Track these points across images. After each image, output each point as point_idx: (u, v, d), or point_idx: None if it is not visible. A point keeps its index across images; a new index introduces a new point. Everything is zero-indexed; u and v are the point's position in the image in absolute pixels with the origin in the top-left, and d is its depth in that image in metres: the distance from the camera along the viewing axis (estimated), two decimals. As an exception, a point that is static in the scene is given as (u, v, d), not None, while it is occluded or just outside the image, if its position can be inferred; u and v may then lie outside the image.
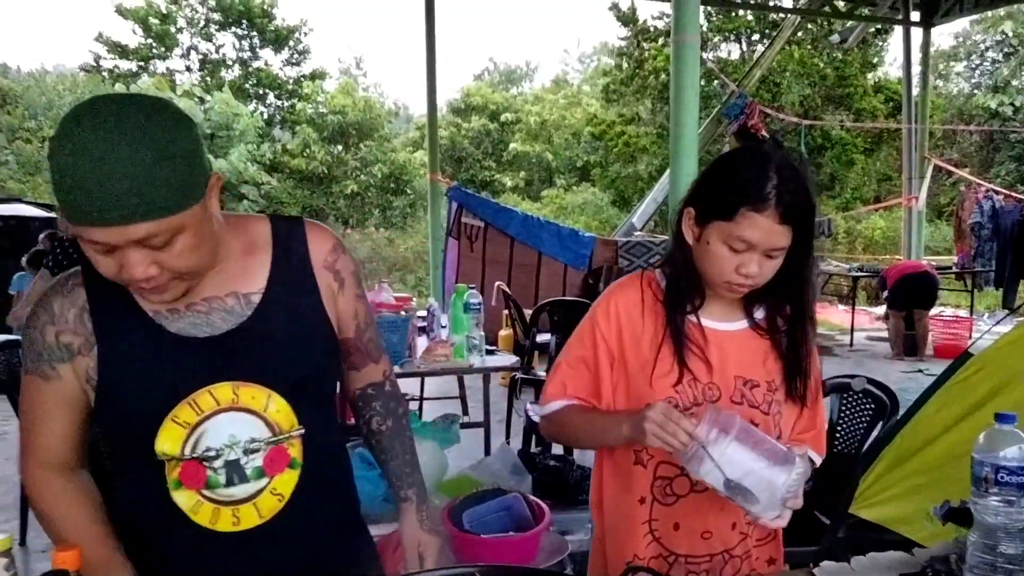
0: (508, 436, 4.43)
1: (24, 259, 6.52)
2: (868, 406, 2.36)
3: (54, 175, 0.89)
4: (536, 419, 3.79)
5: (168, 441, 1.03)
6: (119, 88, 15.43)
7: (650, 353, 1.29)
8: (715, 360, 1.29)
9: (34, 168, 13.11)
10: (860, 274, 9.03)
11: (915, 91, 9.72)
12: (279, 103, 18.58)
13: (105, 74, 17.13)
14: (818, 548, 2.11)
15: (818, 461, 1.40)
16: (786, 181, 1.18)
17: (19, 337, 4.35)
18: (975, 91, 19.01)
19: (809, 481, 1.22)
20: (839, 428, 2.44)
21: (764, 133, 3.35)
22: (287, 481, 1.08)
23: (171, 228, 0.93)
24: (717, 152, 4.17)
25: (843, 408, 2.44)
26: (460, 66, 28.55)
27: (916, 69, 9.81)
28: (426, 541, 1.25)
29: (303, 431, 1.09)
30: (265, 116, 17.64)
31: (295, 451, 1.09)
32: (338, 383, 1.26)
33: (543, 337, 5.37)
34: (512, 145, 20.50)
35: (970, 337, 7.68)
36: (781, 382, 1.32)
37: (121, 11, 17.14)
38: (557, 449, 3.74)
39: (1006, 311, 8.94)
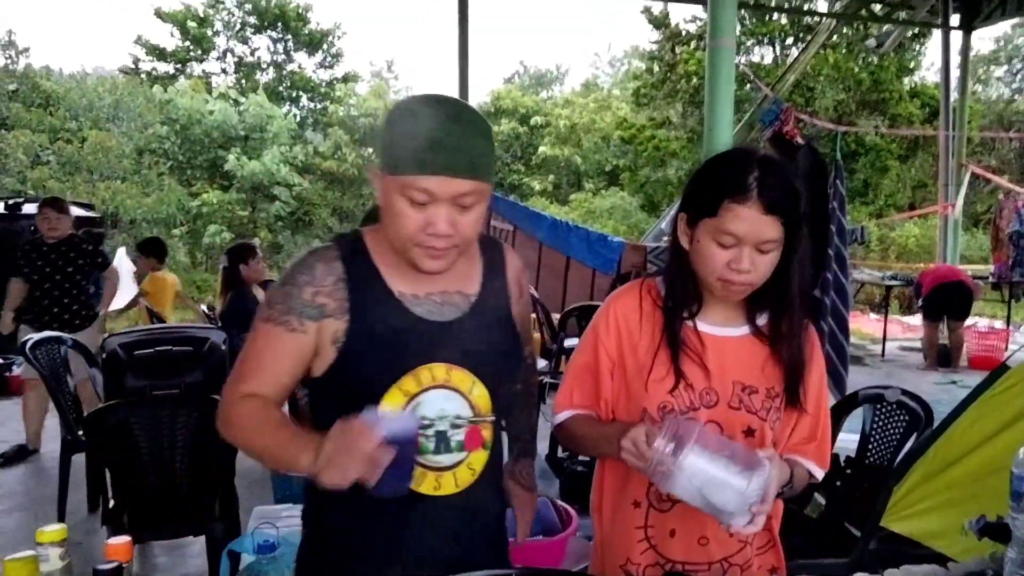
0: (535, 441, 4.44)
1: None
2: (902, 417, 2.33)
3: (403, 129, 1.09)
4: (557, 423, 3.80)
5: (391, 405, 1.17)
6: (157, 90, 15.74)
7: (647, 359, 1.30)
8: (713, 366, 1.28)
9: (73, 168, 13.43)
10: (893, 283, 8.88)
11: (953, 96, 9.54)
12: (311, 105, 18.80)
13: (143, 76, 17.47)
14: (848, 560, 2.10)
15: (819, 474, 1.37)
16: (768, 174, 1.19)
17: (57, 333, 4.49)
18: (1016, 96, 18.60)
19: (819, 489, 1.23)
20: (872, 439, 2.41)
21: (799, 139, 3.34)
22: (480, 459, 1.23)
23: (480, 193, 1.13)
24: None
25: (876, 419, 2.41)
26: (490, 69, 28.71)
27: (955, 74, 9.64)
28: (521, 496, 1.51)
29: (494, 418, 1.24)
30: (298, 118, 17.86)
31: (487, 433, 1.23)
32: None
33: (571, 342, 5.37)
34: (541, 149, 20.51)
35: (1006, 349, 7.52)
36: (781, 389, 1.31)
37: (160, 14, 17.48)
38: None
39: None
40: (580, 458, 3.22)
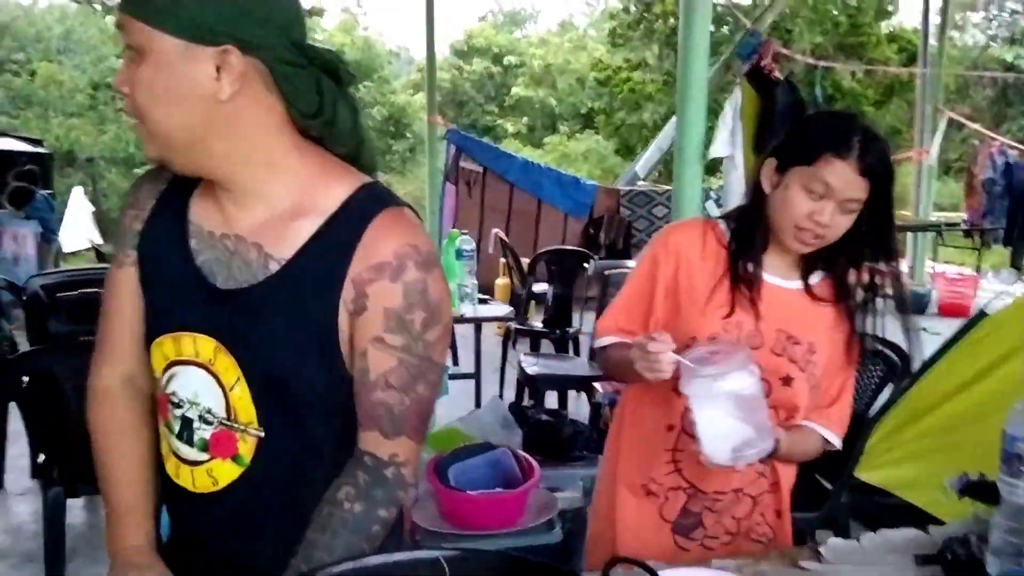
0: (502, 389, 4.35)
1: (4, 197, 6.40)
2: (878, 367, 2.25)
3: None
4: (529, 371, 3.71)
5: (155, 363, 1.02)
6: (109, 20, 14.99)
7: (704, 289, 1.35)
8: (764, 311, 1.33)
9: (24, 102, 12.83)
10: (865, 229, 8.85)
11: (931, 43, 9.39)
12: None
13: (97, 6, 16.61)
14: (819, 513, 2.04)
15: (836, 442, 1.41)
16: (870, 140, 1.25)
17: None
18: (991, 43, 18.52)
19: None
20: (846, 389, 2.33)
21: (778, 74, 3.19)
22: (225, 472, 0.99)
23: (139, 42, 0.86)
24: (724, 100, 4.00)
25: (851, 368, 2.33)
26: (464, 7, 27.79)
27: (934, 20, 9.47)
28: None
29: (262, 434, 0.97)
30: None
31: (245, 448, 0.97)
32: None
33: (540, 287, 5.26)
34: (515, 90, 20.06)
35: (975, 296, 7.57)
36: (822, 347, 1.35)
37: (112, -60, 16.55)
38: (551, 402, 3.66)
39: (1014, 269, 8.81)
40: (547, 407, 3.13)
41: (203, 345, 0.96)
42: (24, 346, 3.77)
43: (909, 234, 9.09)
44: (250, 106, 0.89)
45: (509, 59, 20.61)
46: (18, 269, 5.77)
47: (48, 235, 6.88)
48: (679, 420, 1.36)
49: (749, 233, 1.35)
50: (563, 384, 3.66)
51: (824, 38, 15.65)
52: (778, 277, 1.36)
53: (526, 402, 3.35)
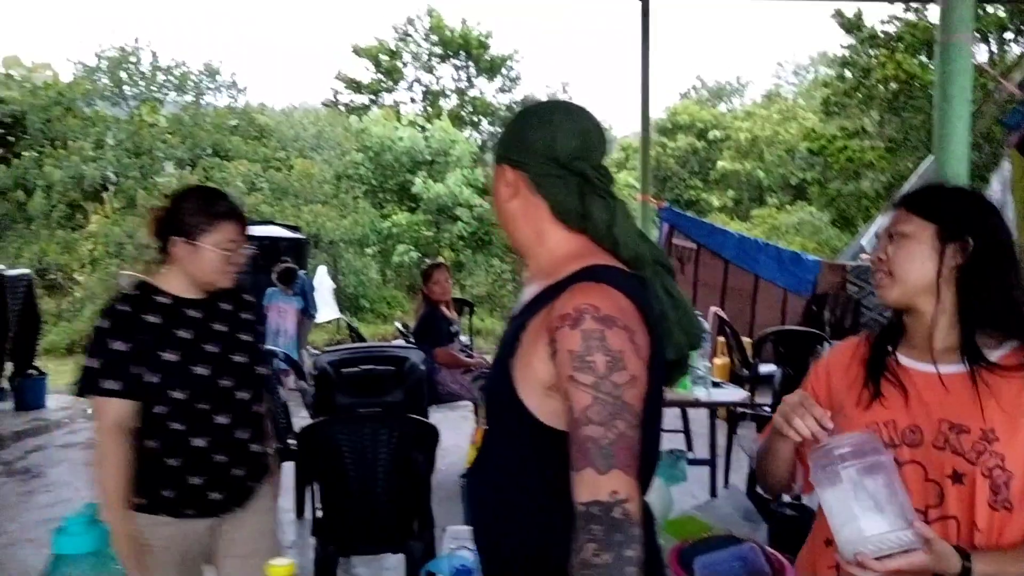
0: (727, 475, 4.17)
1: (274, 275, 7.30)
2: None
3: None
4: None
5: None
6: (354, 120, 17.02)
7: (851, 392, 1.32)
8: (915, 401, 1.25)
9: (282, 193, 14.79)
10: None
11: None
12: (492, 129, 19.46)
13: (342, 107, 18.98)
14: None
15: None
16: (928, 184, 1.36)
17: (271, 347, 4.88)
18: None
19: None
20: None
21: (1051, 146, 2.90)
22: (471, 454, 1.41)
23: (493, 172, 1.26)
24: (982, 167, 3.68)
25: None
26: (665, 86, 28.26)
27: None
28: None
29: (486, 427, 1.22)
30: (479, 142, 18.55)
31: (478, 436, 1.30)
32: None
33: (765, 368, 5.04)
34: (720, 163, 19.80)
35: None
36: (1004, 433, 1.18)
37: (356, 50, 18.95)
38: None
39: None
40: (788, 501, 2.95)
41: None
42: (302, 413, 4.28)
43: None
44: (522, 205, 1.22)
45: (714, 133, 20.46)
46: (279, 340, 6.53)
47: (308, 311, 7.76)
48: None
49: (895, 320, 1.34)
50: (805, 476, 3.42)
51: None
52: (928, 362, 1.27)
53: (765, 494, 3.18)
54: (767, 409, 4.50)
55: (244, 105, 17.84)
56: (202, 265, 1.81)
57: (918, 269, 1.26)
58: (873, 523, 1.08)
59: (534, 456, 1.13)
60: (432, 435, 2.59)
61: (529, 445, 1.13)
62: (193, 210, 1.82)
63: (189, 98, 16.99)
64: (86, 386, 1.78)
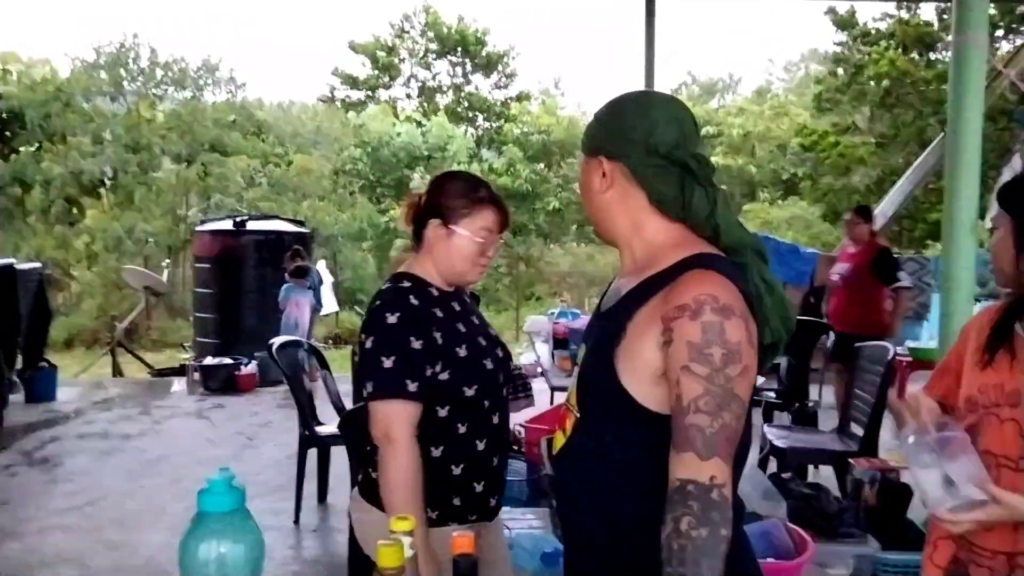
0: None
1: (289, 270, 7.37)
2: None
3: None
4: (778, 444, 3.68)
5: None
6: (351, 116, 17.07)
7: (975, 355, 1.44)
8: (1018, 366, 1.35)
9: (281, 188, 14.86)
10: None
11: None
12: (488, 125, 19.55)
13: (339, 103, 19.02)
14: None
15: None
16: (1015, 178, 1.54)
17: (299, 338, 4.99)
18: None
19: None
20: None
21: (1060, 143, 3.01)
22: (559, 440, 1.27)
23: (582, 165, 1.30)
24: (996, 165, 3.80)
25: None
26: (657, 83, 28.29)
27: None
28: None
29: (579, 415, 1.21)
30: (475, 137, 18.63)
31: (569, 423, 1.24)
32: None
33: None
34: (713, 159, 19.88)
35: None
36: None
37: (353, 47, 18.98)
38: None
39: None
40: (808, 481, 3.09)
41: (580, 351, 1.30)
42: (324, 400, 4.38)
43: None
44: (618, 195, 1.24)
45: (707, 129, 20.61)
46: (297, 334, 6.62)
47: (318, 304, 7.88)
48: None
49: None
50: (816, 459, 3.59)
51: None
52: None
53: (784, 474, 3.32)
54: (771, 394, 4.67)
55: (242, 101, 17.87)
56: (455, 252, 1.69)
57: (1006, 257, 1.42)
58: (948, 488, 1.30)
59: (637, 440, 1.15)
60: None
61: (632, 430, 1.15)
62: (455, 192, 1.71)
63: (188, 94, 16.99)
64: (390, 389, 1.59)
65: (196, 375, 7.63)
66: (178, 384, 8.02)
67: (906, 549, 2.73)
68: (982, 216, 3.04)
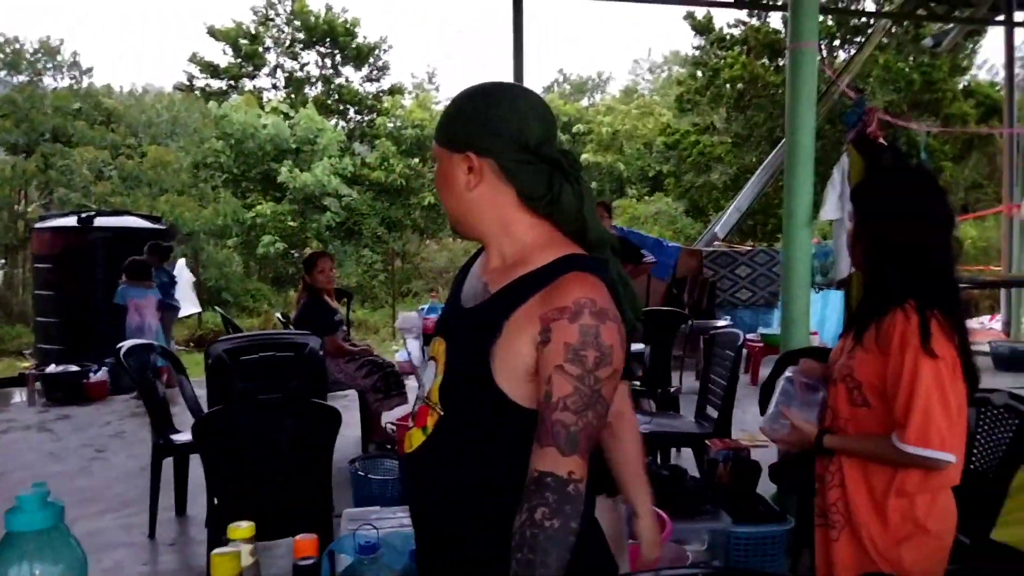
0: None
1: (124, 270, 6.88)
2: (1011, 422, 2.30)
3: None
4: (641, 429, 3.82)
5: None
6: (212, 106, 16.17)
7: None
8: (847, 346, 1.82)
9: (135, 183, 13.87)
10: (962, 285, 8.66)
11: (1016, 94, 9.32)
12: (359, 118, 19.10)
13: (198, 92, 17.97)
14: (952, 569, 2.07)
15: (904, 448, 1.58)
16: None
17: (149, 341, 4.67)
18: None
19: None
20: (977, 444, 2.39)
21: (883, 140, 3.31)
22: (417, 437, 1.25)
23: (434, 154, 1.26)
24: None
25: (981, 423, 2.38)
26: (529, 80, 28.76)
27: (1019, 72, 9.42)
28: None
29: (441, 413, 1.20)
30: (346, 131, 18.16)
31: (431, 420, 1.22)
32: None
33: (635, 347, 5.37)
34: (584, 156, 20.48)
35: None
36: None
37: (213, 32, 17.97)
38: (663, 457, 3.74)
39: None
40: (667, 463, 3.23)
41: (436, 344, 1.26)
42: (181, 405, 4.12)
43: (1002, 290, 8.86)
44: (487, 192, 1.20)
45: (578, 127, 21.13)
46: (145, 338, 6.18)
47: (168, 303, 7.37)
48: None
49: None
50: (676, 442, 3.75)
51: (897, 96, 15.60)
52: None
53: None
54: (635, 382, 4.84)
55: (88, 87, 16.51)
56: None
57: (856, 245, 1.78)
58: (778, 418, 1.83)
59: (503, 436, 1.16)
60: (335, 419, 2.63)
61: (500, 425, 1.16)
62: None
63: (23, 78, 15.48)
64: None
65: (38, 384, 7.01)
66: (18, 395, 7.34)
67: (756, 522, 2.92)
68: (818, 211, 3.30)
